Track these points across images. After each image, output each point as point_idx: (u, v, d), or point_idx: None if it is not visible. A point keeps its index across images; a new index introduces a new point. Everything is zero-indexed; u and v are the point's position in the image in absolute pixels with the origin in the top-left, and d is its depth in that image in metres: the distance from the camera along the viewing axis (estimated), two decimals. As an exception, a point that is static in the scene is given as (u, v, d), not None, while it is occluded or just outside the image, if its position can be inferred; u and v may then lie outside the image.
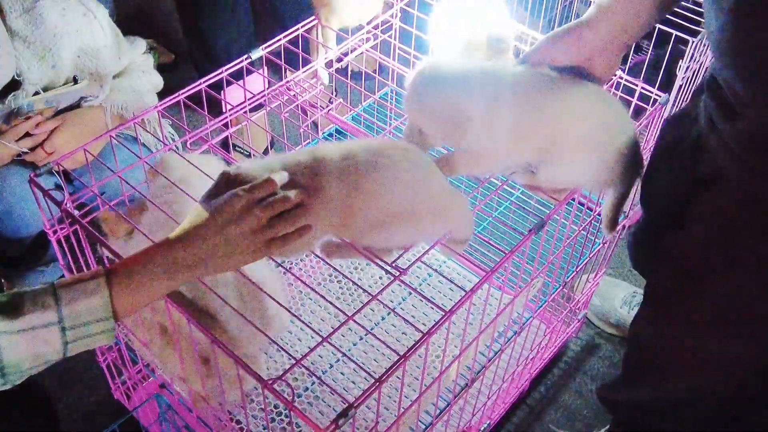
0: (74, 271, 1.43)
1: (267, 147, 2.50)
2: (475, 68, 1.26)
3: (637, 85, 1.62)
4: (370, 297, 1.16)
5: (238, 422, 1.50)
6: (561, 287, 1.70)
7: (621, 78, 1.64)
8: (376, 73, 1.79)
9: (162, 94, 1.72)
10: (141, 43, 1.90)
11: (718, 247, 1.12)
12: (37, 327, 0.93)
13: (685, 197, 1.16)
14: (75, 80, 1.71)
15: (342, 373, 1.63)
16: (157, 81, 1.94)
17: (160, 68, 2.57)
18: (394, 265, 1.20)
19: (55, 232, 1.36)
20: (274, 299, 1.20)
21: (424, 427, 1.49)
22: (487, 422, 1.80)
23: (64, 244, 1.38)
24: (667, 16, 1.79)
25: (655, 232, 1.28)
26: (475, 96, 1.22)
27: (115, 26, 1.80)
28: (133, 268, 0.98)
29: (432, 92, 1.24)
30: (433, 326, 1.11)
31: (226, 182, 1.06)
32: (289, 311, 1.13)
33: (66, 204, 1.30)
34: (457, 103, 1.22)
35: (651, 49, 1.89)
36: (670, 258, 1.23)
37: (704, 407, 1.31)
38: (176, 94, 1.48)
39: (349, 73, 1.78)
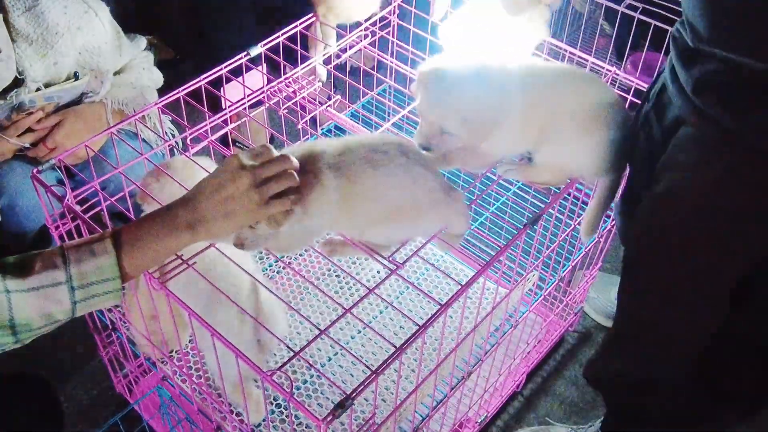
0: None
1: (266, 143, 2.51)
2: (492, 68, 1.26)
3: (633, 81, 1.64)
4: (368, 291, 1.18)
5: (238, 414, 1.52)
6: (557, 281, 1.73)
7: (617, 74, 1.66)
8: (374, 70, 1.80)
9: (163, 91, 1.74)
10: (141, 41, 1.92)
11: (679, 199, 1.12)
12: (47, 286, 0.96)
13: (656, 156, 1.18)
14: (76, 76, 1.72)
15: (340, 366, 1.65)
16: (158, 77, 1.96)
17: (161, 64, 2.58)
18: (391, 259, 1.22)
19: (57, 227, 1.38)
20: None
21: (421, 418, 1.51)
22: (485, 414, 1.83)
23: (66, 239, 1.40)
24: (667, 14, 1.82)
25: (634, 199, 1.30)
26: (507, 97, 1.24)
27: (116, 24, 1.82)
28: (137, 229, 1.02)
29: (462, 93, 1.23)
30: (428, 319, 1.13)
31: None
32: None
33: (68, 199, 1.32)
34: (494, 104, 1.24)
35: (647, 45, 1.91)
36: (637, 221, 1.24)
37: (676, 378, 1.33)
38: (176, 91, 1.50)
39: (348, 69, 1.80)
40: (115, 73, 1.85)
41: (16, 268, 0.97)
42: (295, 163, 1.10)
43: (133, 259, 1.01)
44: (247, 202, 1.04)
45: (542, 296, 1.70)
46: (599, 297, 2.14)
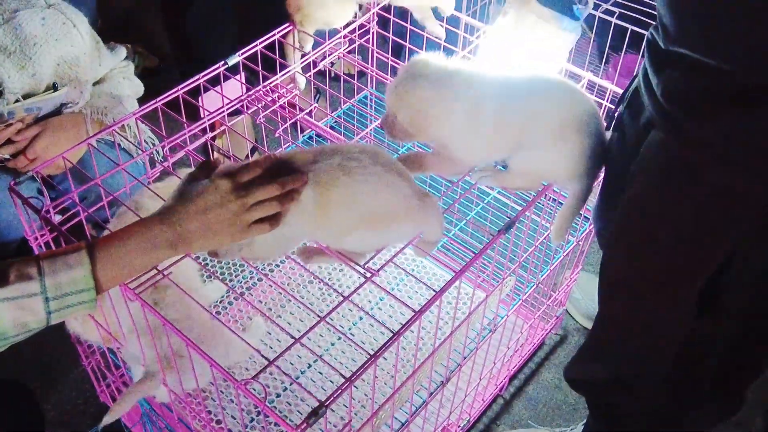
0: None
1: (248, 154, 2.52)
2: (465, 73, 1.28)
3: (606, 89, 1.66)
4: (343, 298, 1.19)
5: (219, 422, 1.52)
6: (536, 284, 1.74)
7: (593, 80, 1.68)
8: (354, 77, 1.82)
9: (146, 99, 1.75)
10: (121, 50, 1.92)
11: (647, 203, 1.14)
12: (21, 296, 0.97)
13: (630, 158, 1.19)
14: (55, 87, 1.73)
15: (320, 373, 1.66)
16: (138, 87, 1.96)
17: (145, 73, 2.60)
18: (366, 266, 1.23)
19: (36, 239, 1.39)
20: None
21: (401, 424, 1.52)
22: (467, 418, 1.84)
23: (46, 251, 1.41)
24: (644, 18, 1.83)
25: (610, 203, 1.32)
26: (465, 103, 1.26)
27: (95, 34, 1.82)
28: (114, 243, 1.02)
29: (417, 89, 1.26)
30: (403, 326, 1.14)
31: (208, 166, 1.10)
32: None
33: (46, 211, 1.32)
34: (445, 108, 1.26)
35: (623, 51, 1.93)
36: (613, 223, 1.26)
37: (654, 378, 1.35)
38: (154, 101, 1.51)
39: (328, 77, 1.81)
40: (95, 83, 1.86)
41: None
42: (287, 187, 1.11)
43: (108, 272, 1.02)
44: (231, 226, 1.06)
45: (521, 300, 1.71)
46: (584, 298, 2.15)
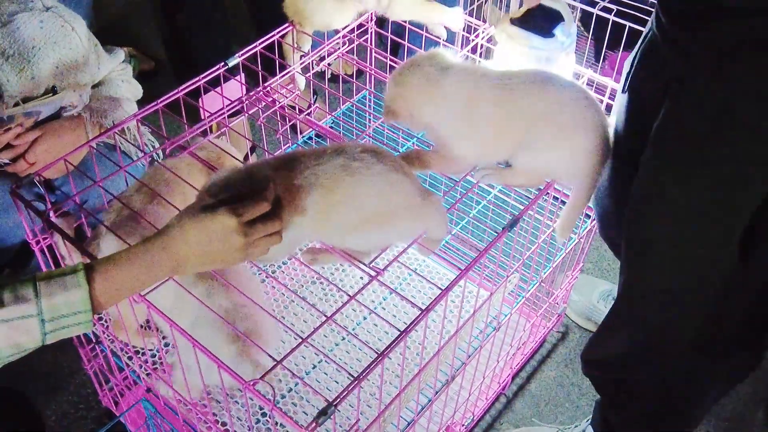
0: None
1: (247, 153, 2.52)
2: (461, 66, 1.30)
3: (606, 86, 1.66)
4: (349, 298, 1.19)
5: (223, 424, 1.52)
6: (539, 282, 1.74)
7: (591, 78, 1.68)
8: (353, 77, 1.81)
9: (143, 102, 1.75)
10: (120, 53, 1.92)
11: (685, 147, 1.14)
12: (16, 318, 0.97)
13: (648, 117, 1.19)
14: (54, 90, 1.72)
15: (325, 373, 1.66)
16: (137, 89, 1.96)
17: (140, 76, 2.59)
18: (371, 266, 1.23)
19: (38, 242, 1.38)
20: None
21: (407, 423, 1.52)
22: (471, 417, 1.84)
23: (47, 254, 1.40)
24: (642, 15, 1.84)
25: (623, 185, 1.32)
26: (449, 93, 1.27)
27: (94, 37, 1.82)
28: (113, 266, 1.02)
29: (407, 74, 1.29)
30: (409, 325, 1.14)
31: (215, 193, 1.10)
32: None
33: (48, 214, 1.32)
34: (438, 104, 1.28)
35: (622, 47, 1.93)
36: (639, 182, 1.26)
37: (671, 346, 1.34)
38: (154, 103, 1.50)
39: (327, 77, 1.80)
40: (94, 86, 1.85)
41: None
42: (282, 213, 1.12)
43: (105, 294, 1.02)
44: (232, 256, 1.07)
45: (524, 298, 1.71)
46: (581, 299, 2.16)
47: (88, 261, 1.03)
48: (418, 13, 1.77)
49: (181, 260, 1.04)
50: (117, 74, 1.90)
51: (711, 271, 1.21)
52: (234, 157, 1.59)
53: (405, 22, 1.83)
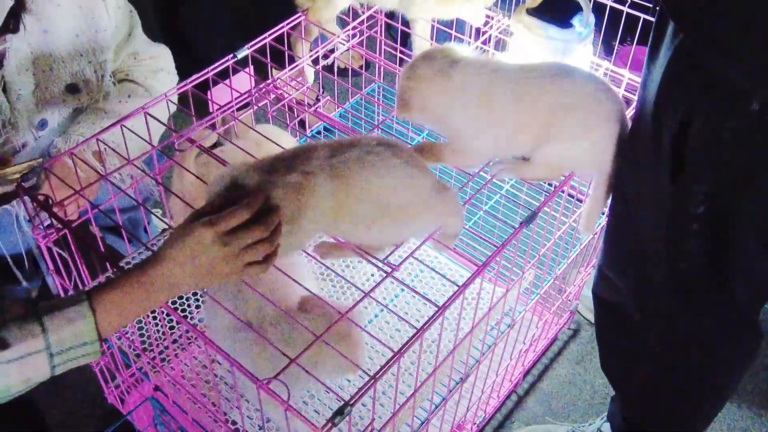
0: (63, 276, 1.42)
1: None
2: (475, 59, 1.27)
3: (623, 76, 1.63)
4: (363, 294, 1.16)
5: (234, 423, 1.49)
6: (552, 279, 1.71)
7: (607, 69, 1.65)
8: (362, 69, 1.78)
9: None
10: (161, 48, 1.82)
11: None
12: (25, 356, 0.98)
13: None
14: (72, 88, 1.63)
15: (336, 371, 1.62)
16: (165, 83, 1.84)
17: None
18: (386, 261, 1.20)
19: (45, 236, 1.35)
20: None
21: (420, 422, 1.49)
22: (482, 415, 1.81)
23: (53, 250, 1.37)
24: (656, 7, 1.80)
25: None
26: (461, 85, 1.24)
27: (133, 17, 1.72)
28: (114, 294, 1.02)
29: (419, 66, 1.27)
30: (427, 322, 1.11)
31: (219, 202, 1.07)
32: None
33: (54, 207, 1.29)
34: (451, 97, 1.25)
35: (635, 41, 1.89)
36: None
37: (657, 288, 1.32)
38: (162, 95, 1.47)
39: (336, 70, 1.77)
40: (93, 103, 1.69)
41: None
42: (275, 220, 1.08)
43: (109, 322, 1.02)
44: (224, 267, 1.05)
45: (539, 294, 1.68)
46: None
47: (89, 288, 1.03)
48: (437, 11, 1.75)
49: (176, 281, 1.03)
50: (148, 68, 1.78)
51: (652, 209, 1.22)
52: (278, 145, 1.51)
53: (433, 20, 1.81)
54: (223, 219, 1.03)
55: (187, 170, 1.43)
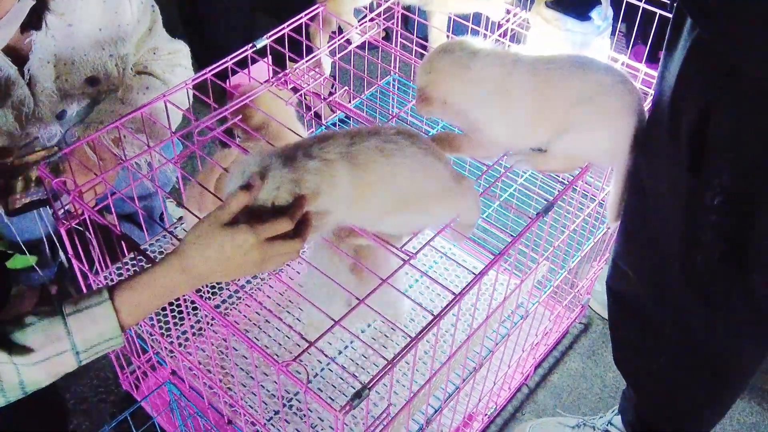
0: (82, 260, 1.44)
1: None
2: (493, 51, 1.28)
3: (639, 70, 1.64)
4: (381, 281, 1.17)
5: (251, 407, 1.50)
6: (565, 272, 1.72)
7: (623, 63, 1.66)
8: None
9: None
10: (179, 44, 1.83)
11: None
12: (53, 356, 1.02)
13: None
14: (92, 80, 1.65)
15: (351, 359, 1.64)
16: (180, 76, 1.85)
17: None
18: (403, 249, 1.22)
19: (64, 222, 1.37)
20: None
21: (433, 411, 1.50)
22: (493, 407, 1.82)
23: (75, 236, 1.39)
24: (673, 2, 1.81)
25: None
26: (480, 78, 1.25)
27: (154, 12, 1.73)
28: (136, 292, 1.05)
29: (437, 59, 1.28)
30: (444, 308, 1.12)
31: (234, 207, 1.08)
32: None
33: (74, 192, 1.30)
34: (457, 77, 1.26)
35: (652, 34, 1.90)
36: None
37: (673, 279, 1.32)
38: (182, 83, 1.49)
39: (352, 61, 1.78)
40: (111, 91, 1.72)
41: (19, 347, 1.01)
42: (308, 233, 1.11)
43: (131, 317, 1.06)
44: (248, 270, 1.08)
45: (552, 287, 1.69)
46: (604, 290, 2.13)
47: (112, 285, 1.06)
48: (458, 6, 1.76)
49: (201, 277, 1.06)
50: (165, 60, 1.79)
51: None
52: (294, 132, 1.53)
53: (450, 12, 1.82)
54: (269, 229, 1.05)
55: (207, 189, 1.42)
